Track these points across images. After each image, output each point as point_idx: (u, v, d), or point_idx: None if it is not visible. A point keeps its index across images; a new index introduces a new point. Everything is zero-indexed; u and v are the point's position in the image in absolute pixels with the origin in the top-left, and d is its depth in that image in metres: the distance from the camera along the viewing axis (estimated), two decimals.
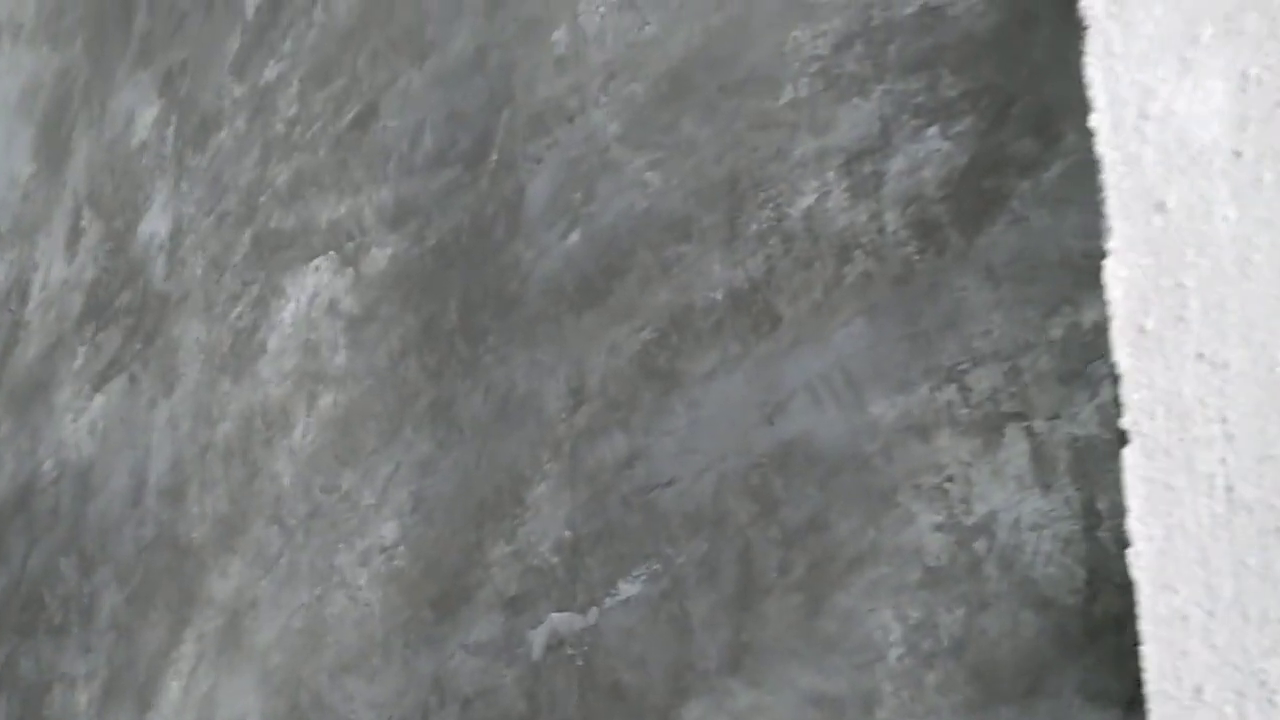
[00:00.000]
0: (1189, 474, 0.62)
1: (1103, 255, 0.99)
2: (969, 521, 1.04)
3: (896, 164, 1.15)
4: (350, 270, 1.74)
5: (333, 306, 1.75)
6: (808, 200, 1.22)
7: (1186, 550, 0.62)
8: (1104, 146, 0.68)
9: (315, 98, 1.89)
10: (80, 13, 2.58)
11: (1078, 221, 1.02)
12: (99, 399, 2.21)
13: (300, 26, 1.95)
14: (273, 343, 1.84)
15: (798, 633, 1.14)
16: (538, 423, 1.43)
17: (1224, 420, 0.60)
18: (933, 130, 1.13)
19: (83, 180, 2.43)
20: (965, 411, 1.06)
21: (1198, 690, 0.61)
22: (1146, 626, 0.64)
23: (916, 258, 1.12)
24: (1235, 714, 0.59)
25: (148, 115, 2.28)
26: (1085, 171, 1.03)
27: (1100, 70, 0.69)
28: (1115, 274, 0.68)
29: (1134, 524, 0.66)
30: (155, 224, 2.18)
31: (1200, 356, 0.62)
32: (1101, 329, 0.99)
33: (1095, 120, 0.69)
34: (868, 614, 1.09)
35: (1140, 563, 0.65)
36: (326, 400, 1.72)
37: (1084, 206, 1.02)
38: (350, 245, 1.76)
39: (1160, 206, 0.65)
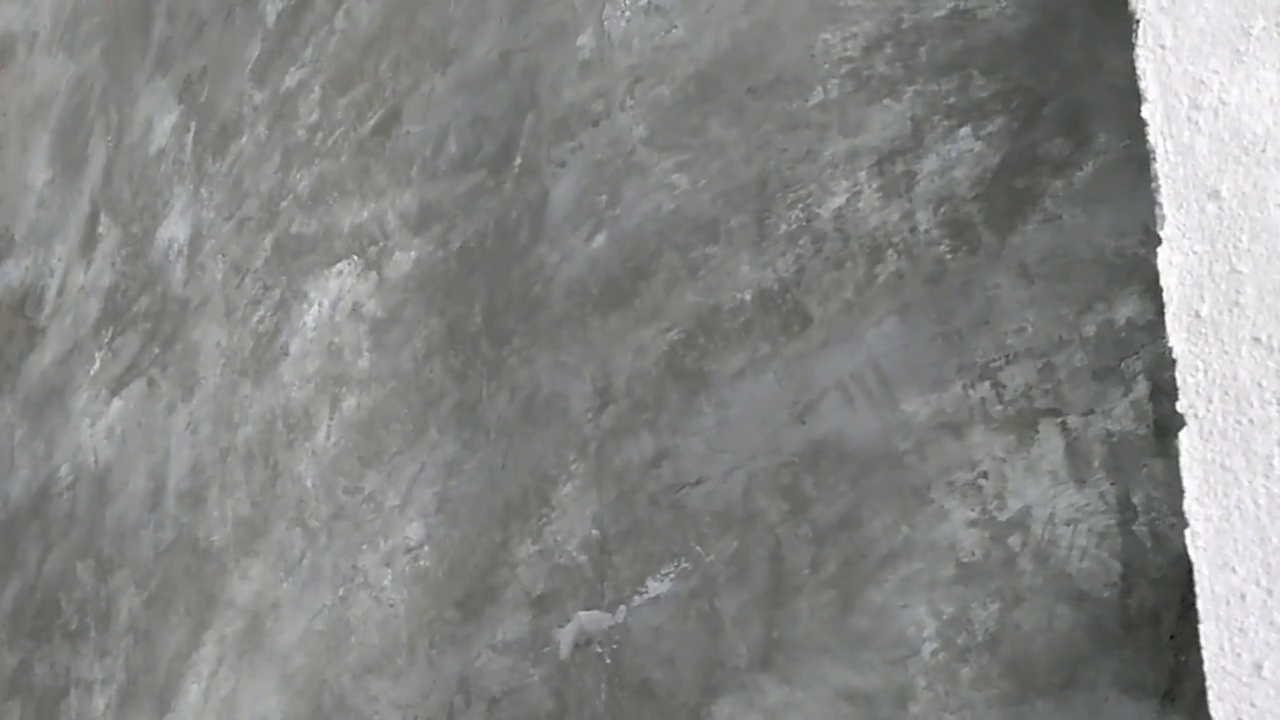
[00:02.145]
0: (1246, 455, 0.63)
1: (1136, 253, 1.01)
2: (1003, 517, 1.05)
3: (928, 164, 1.16)
4: (374, 274, 1.75)
5: (356, 310, 1.76)
6: (838, 201, 1.23)
7: (1244, 530, 0.63)
8: (1156, 137, 0.70)
9: (337, 104, 1.90)
10: (97, 21, 2.59)
11: (1110, 220, 1.04)
12: (116, 404, 2.21)
13: (322, 33, 1.97)
14: (295, 346, 1.85)
15: (830, 629, 1.15)
16: (563, 423, 1.44)
17: None
18: (964, 130, 1.14)
19: (100, 187, 2.44)
20: (999, 408, 1.07)
21: (1257, 667, 0.62)
22: (1205, 605, 0.65)
23: (949, 257, 1.13)
24: None
25: (166, 122, 2.29)
26: (1117, 170, 1.04)
27: (1152, 62, 0.70)
28: (1170, 261, 0.69)
29: (1191, 505, 0.67)
30: (174, 229, 2.19)
31: (1256, 340, 0.63)
32: (1135, 325, 1.00)
33: (1147, 111, 0.71)
34: (901, 610, 1.10)
35: (1198, 543, 0.66)
36: (350, 402, 1.73)
37: (1116, 205, 1.03)
38: (373, 249, 1.77)
39: (1214, 195, 0.66)
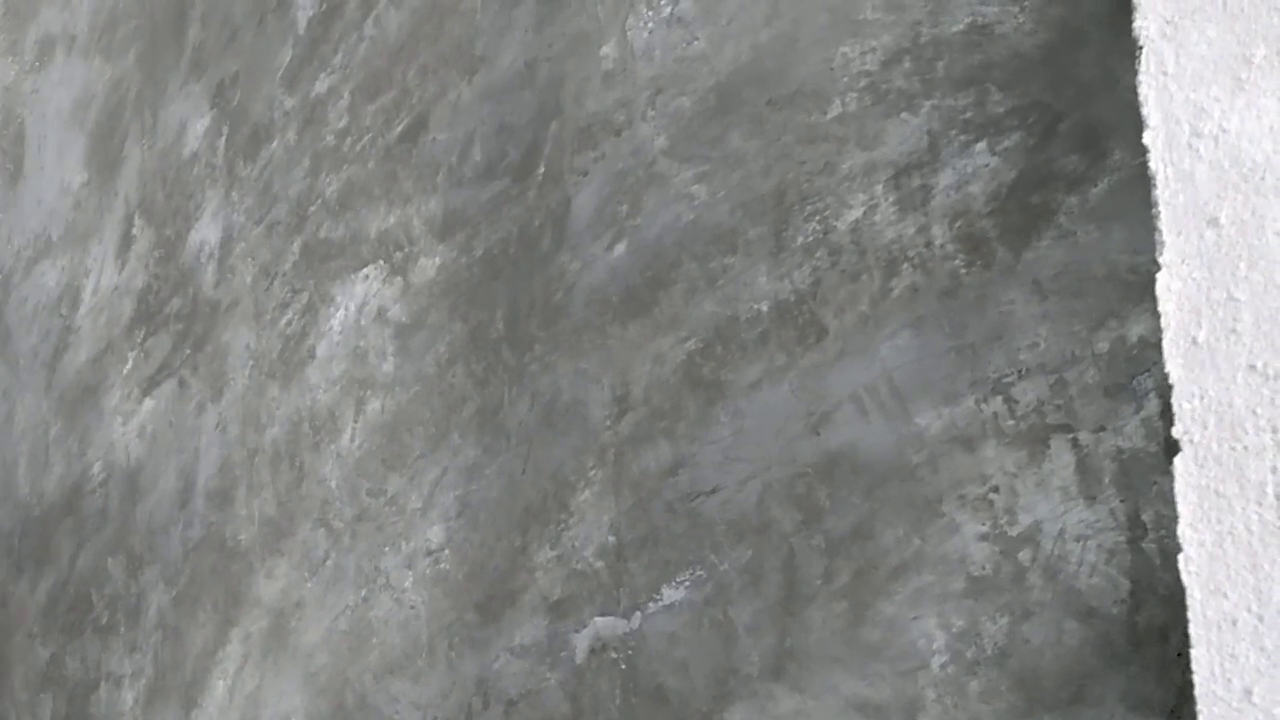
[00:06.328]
0: (1240, 482, 0.63)
1: (1149, 270, 1.01)
2: (1014, 532, 1.06)
3: (944, 178, 1.17)
4: (399, 279, 1.78)
5: (381, 314, 1.79)
6: (855, 213, 1.24)
7: (1237, 556, 0.63)
8: (1157, 163, 0.70)
9: (365, 110, 1.93)
10: (133, 25, 2.63)
11: (1124, 237, 1.04)
12: (148, 403, 2.25)
13: (351, 40, 1.99)
14: (322, 349, 1.87)
15: (841, 639, 1.15)
16: (583, 430, 1.45)
17: (1274, 430, 0.62)
18: (981, 145, 1.15)
19: (134, 189, 2.48)
20: (1011, 423, 1.08)
21: (1247, 692, 0.62)
22: (1197, 630, 0.66)
23: (964, 271, 1.14)
24: None
25: (199, 126, 2.33)
26: (1132, 188, 1.04)
27: (1154, 89, 0.71)
28: (1168, 287, 0.69)
29: (1185, 530, 0.67)
30: (206, 232, 2.22)
31: (1252, 368, 0.64)
32: (1147, 343, 1.01)
33: (1149, 138, 0.71)
34: (911, 622, 1.11)
35: (1191, 568, 0.66)
36: (374, 406, 1.75)
37: (1130, 222, 1.04)
38: (399, 255, 1.79)
39: (1213, 222, 0.66)
